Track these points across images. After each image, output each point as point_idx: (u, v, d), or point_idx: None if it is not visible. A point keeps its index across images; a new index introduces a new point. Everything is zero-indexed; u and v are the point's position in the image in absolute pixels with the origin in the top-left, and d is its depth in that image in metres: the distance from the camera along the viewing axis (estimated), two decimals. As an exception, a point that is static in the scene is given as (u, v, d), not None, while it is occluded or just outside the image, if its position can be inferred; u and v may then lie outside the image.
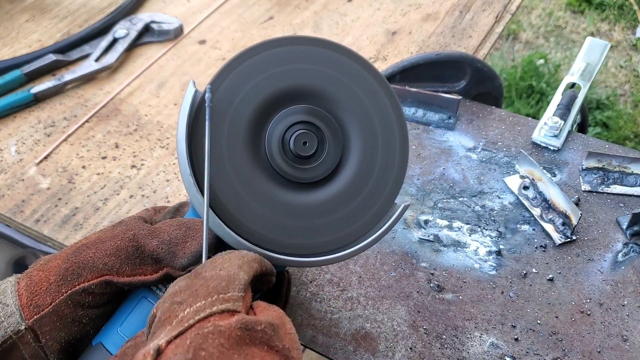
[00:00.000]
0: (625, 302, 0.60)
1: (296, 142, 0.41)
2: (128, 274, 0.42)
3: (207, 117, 0.40)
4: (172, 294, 0.36)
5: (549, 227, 0.67)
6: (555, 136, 0.76)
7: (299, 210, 0.41)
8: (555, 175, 0.73)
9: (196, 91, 0.41)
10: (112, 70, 0.95)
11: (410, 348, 0.57)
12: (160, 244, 0.42)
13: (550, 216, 0.68)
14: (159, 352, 0.32)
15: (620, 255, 0.65)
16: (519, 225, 0.68)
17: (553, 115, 0.77)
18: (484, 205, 0.70)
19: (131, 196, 0.76)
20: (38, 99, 0.89)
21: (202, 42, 1.00)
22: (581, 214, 0.64)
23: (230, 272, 0.36)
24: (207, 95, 0.40)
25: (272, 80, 0.42)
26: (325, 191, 0.42)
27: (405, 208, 0.44)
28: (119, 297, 0.44)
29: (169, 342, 0.32)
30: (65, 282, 0.41)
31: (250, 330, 0.33)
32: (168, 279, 0.42)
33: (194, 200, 0.40)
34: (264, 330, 0.33)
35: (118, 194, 0.76)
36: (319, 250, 0.41)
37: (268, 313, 0.36)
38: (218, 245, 0.41)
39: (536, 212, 0.69)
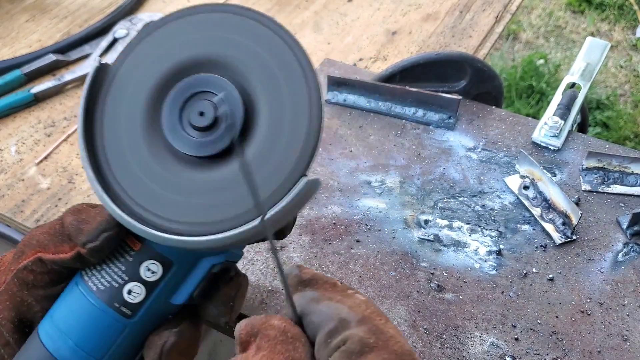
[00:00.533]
0: (626, 302, 0.60)
1: (192, 113, 0.37)
2: (52, 251, 0.41)
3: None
4: None
5: (549, 227, 0.67)
6: (556, 136, 0.76)
7: (197, 187, 0.37)
8: (555, 175, 0.73)
9: (100, 65, 0.39)
10: (112, 70, 0.95)
11: (411, 348, 0.57)
12: (74, 220, 0.40)
13: (550, 216, 0.68)
14: None
15: (620, 255, 0.65)
16: (519, 225, 0.68)
17: (553, 115, 0.77)
18: (484, 205, 0.70)
19: (131, 196, 0.75)
20: (38, 99, 0.89)
21: (202, 42, 1.00)
22: (581, 214, 0.64)
23: (406, 346, 0.35)
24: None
25: (171, 52, 0.39)
26: (228, 166, 0.37)
27: (312, 184, 0.36)
28: (62, 280, 0.42)
29: None
30: (14, 261, 0.42)
31: None
32: (81, 260, 0.40)
33: (91, 184, 0.38)
34: None
35: (118, 194, 0.76)
36: (214, 230, 0.36)
37: None
38: (122, 228, 0.39)
39: (536, 212, 0.69)
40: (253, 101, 0.37)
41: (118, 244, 0.40)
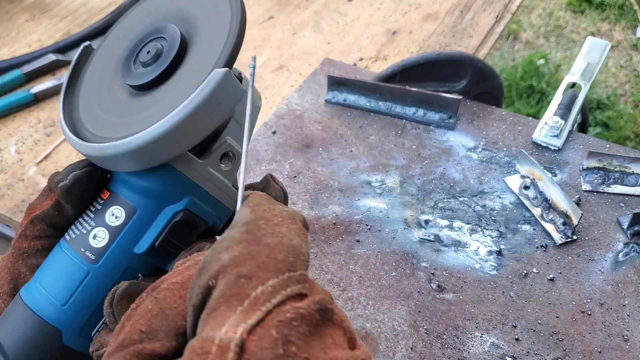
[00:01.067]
0: (626, 302, 0.60)
1: (142, 53, 0.43)
2: (39, 208, 0.43)
3: (250, 85, 0.40)
4: (233, 261, 0.30)
5: (549, 227, 0.67)
6: (556, 136, 0.76)
7: (133, 110, 0.42)
8: (555, 175, 0.73)
9: (85, 46, 0.46)
10: (112, 70, 0.95)
11: (411, 348, 0.57)
12: (53, 173, 0.43)
13: (550, 216, 0.68)
14: (242, 347, 0.27)
15: (621, 255, 0.64)
16: (519, 225, 0.68)
17: (554, 115, 0.77)
18: (484, 205, 0.70)
19: (131, 196, 0.76)
20: (38, 99, 0.89)
21: (202, 41, 1.00)
22: (582, 214, 0.64)
23: (293, 241, 0.32)
24: (251, 65, 0.41)
25: (141, 21, 0.46)
26: (159, 91, 0.42)
27: (224, 75, 0.38)
28: (52, 246, 0.44)
29: (249, 332, 0.28)
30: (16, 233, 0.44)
31: (325, 311, 0.30)
32: (59, 207, 0.42)
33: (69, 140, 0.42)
34: (332, 309, 0.31)
35: (118, 194, 0.76)
36: (123, 137, 0.40)
37: (319, 287, 0.33)
38: (90, 169, 0.43)
39: (537, 212, 0.69)
40: (192, 36, 0.43)
41: (90, 191, 0.43)
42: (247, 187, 0.49)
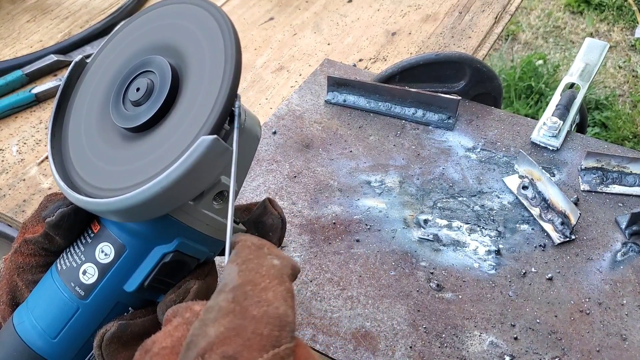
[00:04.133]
0: (624, 302, 0.61)
1: (131, 90, 0.40)
2: (30, 231, 0.43)
3: (235, 128, 0.38)
4: (219, 338, 0.31)
5: (548, 227, 0.67)
6: (554, 136, 0.76)
7: (126, 157, 0.39)
8: (554, 175, 0.73)
9: (78, 61, 0.44)
10: (112, 70, 0.95)
11: (410, 347, 0.57)
12: (45, 201, 0.43)
13: (549, 216, 0.68)
14: None
15: (619, 254, 0.65)
16: (518, 225, 0.68)
17: (552, 115, 0.77)
18: (483, 205, 0.71)
19: (132, 196, 0.76)
20: (39, 100, 0.90)
21: (203, 42, 1.00)
22: (580, 214, 0.65)
23: (279, 310, 0.32)
24: (236, 104, 0.38)
25: (131, 44, 0.43)
26: (153, 136, 0.39)
27: (212, 143, 0.35)
28: (47, 265, 0.44)
29: None
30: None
31: None
32: (48, 237, 0.42)
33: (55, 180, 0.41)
34: None
35: (119, 194, 0.76)
36: (117, 194, 0.37)
37: (307, 352, 0.33)
38: (78, 208, 0.41)
39: (535, 211, 0.69)
40: (183, 72, 0.40)
41: (78, 224, 0.42)
42: (245, 208, 0.48)
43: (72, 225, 0.42)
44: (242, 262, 0.34)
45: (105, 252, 0.41)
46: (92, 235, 0.42)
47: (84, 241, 0.42)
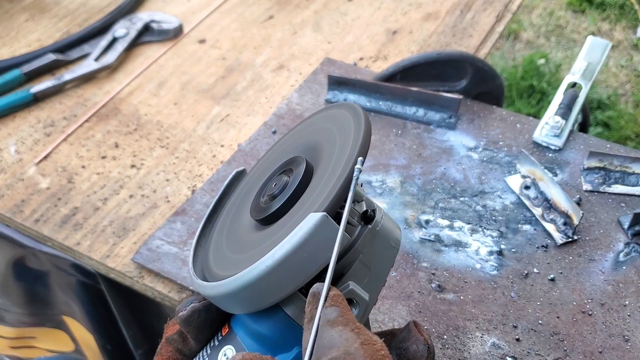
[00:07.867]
0: (627, 302, 0.60)
1: (269, 185, 0.43)
2: (171, 330, 0.43)
3: (347, 203, 0.37)
4: None
5: (550, 227, 0.67)
6: (557, 136, 0.75)
7: (250, 245, 0.40)
8: (556, 175, 0.73)
9: (241, 170, 0.49)
10: (111, 69, 0.95)
11: (411, 348, 0.57)
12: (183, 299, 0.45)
13: (551, 216, 0.67)
14: None
15: (621, 255, 0.64)
16: (520, 225, 0.68)
17: (554, 114, 0.77)
18: (485, 205, 0.70)
19: (131, 196, 0.75)
20: (37, 99, 0.89)
21: (202, 41, 1.00)
22: (582, 214, 0.64)
23: None
24: (356, 167, 0.38)
25: (285, 151, 0.47)
26: (277, 223, 0.40)
27: (320, 220, 0.34)
28: None
29: None
30: None
31: None
32: (182, 336, 0.42)
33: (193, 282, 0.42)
34: None
35: (118, 194, 0.76)
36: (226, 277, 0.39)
37: None
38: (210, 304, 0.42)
39: (537, 211, 0.68)
40: (317, 167, 0.42)
41: (209, 323, 0.42)
42: (389, 333, 0.44)
43: (202, 324, 0.42)
44: None
45: (227, 355, 0.40)
46: (220, 338, 0.41)
47: (212, 344, 0.41)
